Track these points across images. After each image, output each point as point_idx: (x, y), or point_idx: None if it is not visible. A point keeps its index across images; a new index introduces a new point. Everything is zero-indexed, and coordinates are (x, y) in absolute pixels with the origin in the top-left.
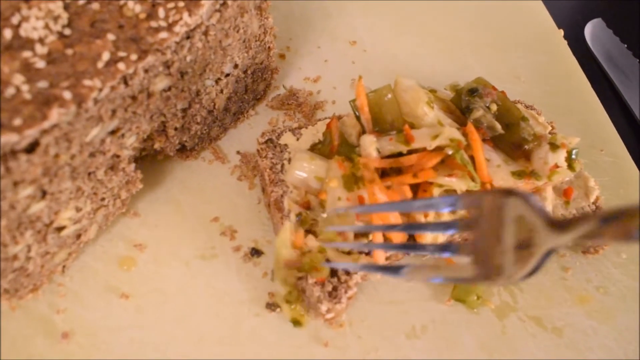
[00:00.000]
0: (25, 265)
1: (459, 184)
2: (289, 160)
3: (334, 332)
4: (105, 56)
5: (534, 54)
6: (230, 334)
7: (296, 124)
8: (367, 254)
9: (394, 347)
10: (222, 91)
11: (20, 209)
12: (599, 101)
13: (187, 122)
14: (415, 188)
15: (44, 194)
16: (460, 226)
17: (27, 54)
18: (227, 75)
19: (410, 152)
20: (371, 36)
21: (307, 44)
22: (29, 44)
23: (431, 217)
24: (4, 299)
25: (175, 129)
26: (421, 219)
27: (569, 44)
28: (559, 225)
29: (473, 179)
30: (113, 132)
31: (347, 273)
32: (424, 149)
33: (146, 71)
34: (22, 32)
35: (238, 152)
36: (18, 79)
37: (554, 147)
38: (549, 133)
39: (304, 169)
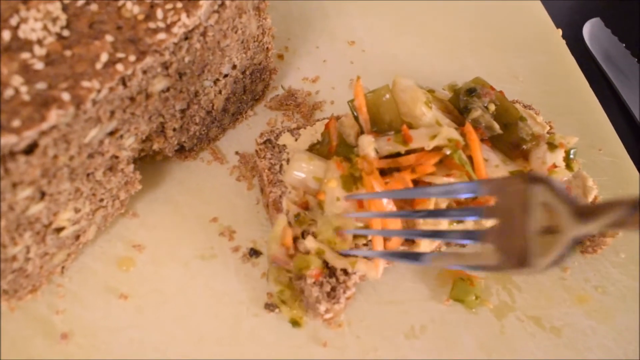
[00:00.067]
0: (24, 266)
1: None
2: (288, 160)
3: (332, 332)
4: (104, 57)
5: (533, 53)
6: (230, 334)
7: (295, 124)
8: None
9: (392, 347)
10: (220, 92)
11: (19, 210)
12: (597, 101)
13: (186, 123)
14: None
15: (42, 195)
16: (483, 213)
17: (25, 55)
18: (226, 76)
19: (408, 152)
20: (370, 36)
21: (306, 44)
22: (27, 45)
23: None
24: (4, 300)
25: (174, 129)
26: (419, 221)
27: (568, 44)
28: (585, 212)
29: (471, 179)
30: (112, 133)
31: (346, 273)
32: (422, 149)
33: (144, 72)
34: (21, 34)
35: (237, 153)
36: (17, 80)
37: (552, 146)
38: (547, 133)
39: (302, 170)
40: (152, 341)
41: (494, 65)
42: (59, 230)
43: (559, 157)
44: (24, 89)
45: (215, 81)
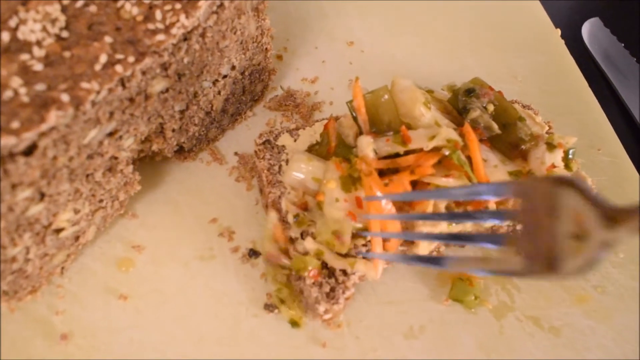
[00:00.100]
0: (24, 267)
1: (456, 185)
2: (287, 161)
3: (332, 333)
4: (103, 58)
5: (532, 53)
6: (229, 334)
7: (294, 125)
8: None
9: (392, 348)
10: (219, 92)
11: (18, 211)
12: (596, 100)
13: (185, 124)
14: (411, 189)
15: (42, 196)
16: (507, 216)
17: (24, 56)
18: (225, 76)
19: (407, 153)
20: (369, 36)
21: (305, 44)
22: (26, 46)
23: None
24: (4, 301)
25: (173, 130)
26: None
27: (567, 44)
28: (616, 216)
29: (470, 180)
30: (111, 134)
31: (345, 274)
32: (421, 150)
33: (144, 73)
34: (20, 35)
35: (236, 154)
36: (16, 81)
37: (550, 147)
38: (546, 133)
39: (301, 170)
40: (151, 342)
41: (492, 65)
42: (59, 231)
43: (557, 157)
44: (23, 90)
45: (214, 82)
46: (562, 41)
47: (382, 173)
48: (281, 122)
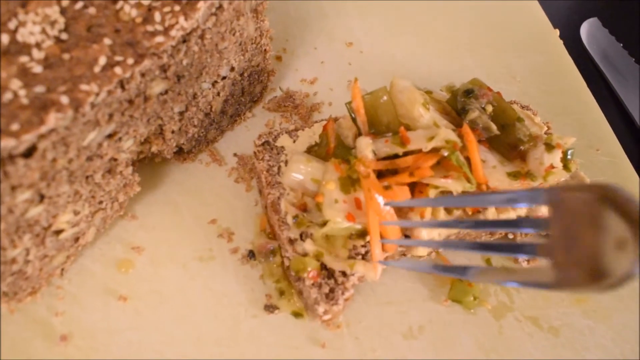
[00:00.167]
0: (23, 268)
1: (455, 186)
2: (286, 162)
3: (331, 334)
4: (102, 60)
5: (530, 53)
6: (229, 335)
7: (293, 126)
8: (364, 257)
9: (391, 348)
10: (218, 94)
11: (18, 213)
12: (595, 101)
13: (184, 125)
14: (410, 190)
15: (42, 197)
16: (537, 224)
17: (24, 58)
18: (224, 78)
19: (406, 154)
20: (368, 37)
21: (304, 45)
22: (26, 48)
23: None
24: (3, 302)
25: (173, 131)
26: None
27: (565, 44)
28: None
29: (469, 180)
30: (110, 136)
31: (344, 275)
32: (419, 151)
33: (143, 75)
34: (19, 37)
35: (235, 155)
36: (15, 84)
37: (549, 147)
38: (545, 133)
39: (300, 171)
40: (151, 342)
41: (491, 66)
42: (58, 232)
43: (556, 157)
44: (22, 92)
45: (214, 83)
46: (561, 41)
47: (381, 174)
48: (280, 123)
